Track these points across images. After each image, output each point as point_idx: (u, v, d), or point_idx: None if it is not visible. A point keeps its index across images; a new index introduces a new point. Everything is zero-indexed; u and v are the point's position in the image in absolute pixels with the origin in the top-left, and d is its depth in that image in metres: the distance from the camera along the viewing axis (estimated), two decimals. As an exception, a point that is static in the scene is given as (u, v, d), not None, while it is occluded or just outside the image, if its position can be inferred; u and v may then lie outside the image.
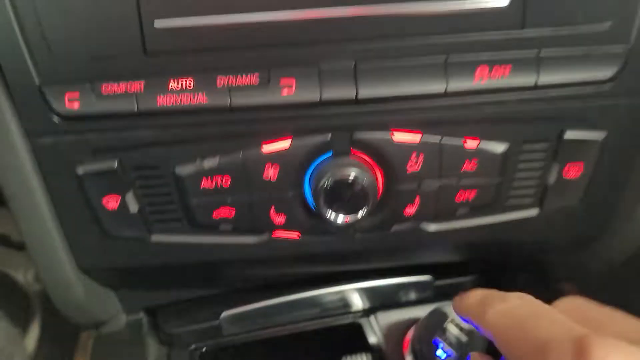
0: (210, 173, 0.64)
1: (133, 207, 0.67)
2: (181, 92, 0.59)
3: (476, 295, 0.58)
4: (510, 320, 0.51)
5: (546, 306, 0.51)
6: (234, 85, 0.59)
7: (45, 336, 1.32)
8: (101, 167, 0.64)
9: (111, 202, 0.66)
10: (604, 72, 0.61)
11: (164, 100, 0.59)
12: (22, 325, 1.30)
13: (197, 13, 0.57)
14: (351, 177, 0.62)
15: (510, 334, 0.50)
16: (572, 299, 0.54)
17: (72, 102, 0.59)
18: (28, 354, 1.27)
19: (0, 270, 1.38)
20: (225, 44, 0.58)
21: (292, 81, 0.59)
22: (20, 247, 1.15)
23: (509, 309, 0.52)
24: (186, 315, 0.88)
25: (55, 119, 0.60)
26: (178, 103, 0.59)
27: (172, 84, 0.59)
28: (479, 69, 0.60)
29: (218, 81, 0.59)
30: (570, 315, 0.51)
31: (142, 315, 0.90)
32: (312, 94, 0.60)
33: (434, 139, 0.64)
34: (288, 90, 0.59)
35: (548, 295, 0.57)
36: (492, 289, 0.59)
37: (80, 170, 0.64)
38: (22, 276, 1.40)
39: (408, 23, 0.59)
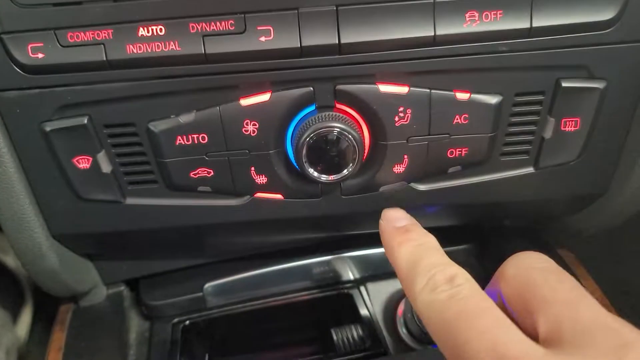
0: (186, 129, 0.61)
1: (105, 167, 0.63)
2: (152, 40, 0.56)
3: (405, 254, 0.57)
4: (438, 317, 0.49)
5: (477, 303, 0.48)
6: (207, 31, 0.56)
7: (37, 320, 1.30)
8: (70, 123, 0.61)
9: (82, 162, 0.63)
10: (602, 15, 0.57)
11: (134, 49, 0.56)
12: (12, 309, 1.28)
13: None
14: (335, 132, 0.58)
15: (437, 333, 0.49)
16: (522, 260, 0.51)
17: (35, 53, 0.56)
18: (18, 337, 1.25)
19: None
20: None
21: (270, 27, 0.56)
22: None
23: (437, 304, 0.50)
24: (169, 287, 0.86)
25: (19, 71, 0.57)
26: (149, 51, 0.56)
27: (142, 31, 0.56)
28: (468, 14, 0.56)
29: (190, 28, 0.56)
30: (514, 286, 0.49)
31: (122, 287, 0.88)
32: (291, 41, 0.56)
33: (423, 90, 0.60)
34: (266, 37, 0.56)
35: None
36: (421, 241, 0.58)
37: (48, 127, 0.61)
38: (13, 260, 1.38)
39: None
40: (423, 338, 0.78)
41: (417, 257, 0.55)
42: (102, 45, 0.56)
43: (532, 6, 0.56)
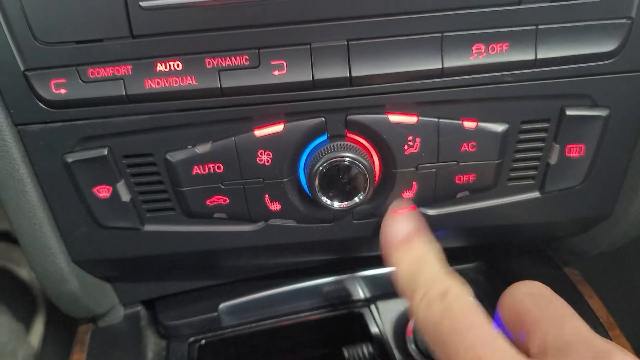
0: (203, 159, 0.63)
1: (125, 196, 0.65)
2: (169, 75, 0.58)
3: (404, 265, 0.58)
4: (433, 332, 0.51)
5: (467, 318, 0.50)
6: (223, 66, 0.58)
7: (50, 332, 1.32)
8: (91, 155, 0.63)
9: (102, 192, 0.65)
10: (605, 47, 0.59)
11: (152, 83, 0.58)
12: (26, 321, 1.30)
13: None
14: (347, 162, 0.60)
15: (434, 347, 0.51)
16: (516, 288, 0.54)
17: (58, 88, 0.58)
18: (32, 349, 1.27)
19: (3, 266, 1.38)
20: (213, 25, 0.57)
21: (283, 61, 0.58)
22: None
23: (432, 319, 0.52)
24: (184, 307, 0.87)
25: (42, 106, 0.59)
26: (166, 85, 0.58)
27: (160, 67, 0.58)
28: (475, 47, 0.58)
29: (207, 63, 0.58)
30: (509, 313, 0.52)
31: (139, 307, 0.89)
32: (303, 75, 0.58)
33: (432, 119, 0.62)
34: (279, 71, 0.58)
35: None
36: (419, 252, 0.59)
37: (70, 158, 0.63)
38: (26, 272, 1.40)
39: (402, 23, 0.57)
40: (433, 356, 0.80)
41: (414, 270, 0.57)
42: (122, 81, 0.58)
43: (537, 38, 0.58)
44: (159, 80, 0.58)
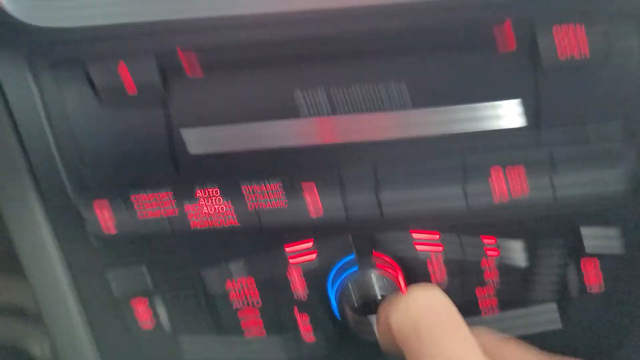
0: (236, 275, 0.67)
1: (160, 308, 0.69)
2: (213, 217, 0.62)
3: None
4: None
5: None
6: (263, 209, 0.62)
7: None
8: (130, 272, 0.66)
9: (139, 304, 0.68)
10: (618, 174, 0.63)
11: (197, 223, 0.62)
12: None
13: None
14: (379, 297, 0.63)
15: None
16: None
17: (108, 228, 0.62)
18: None
19: (16, 346, 1.36)
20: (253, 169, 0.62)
21: (319, 204, 0.62)
22: (34, 318, 1.14)
23: None
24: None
25: (92, 241, 0.63)
26: (210, 226, 0.62)
27: (205, 209, 0.62)
28: (493, 172, 0.62)
29: (249, 205, 0.62)
30: None
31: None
32: (337, 213, 0.63)
33: (453, 240, 0.66)
34: (316, 213, 0.62)
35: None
36: None
37: (110, 275, 0.66)
38: (39, 349, 1.37)
39: (424, 146, 0.61)
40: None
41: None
42: (168, 221, 0.63)
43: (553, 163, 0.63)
44: (203, 221, 0.62)
